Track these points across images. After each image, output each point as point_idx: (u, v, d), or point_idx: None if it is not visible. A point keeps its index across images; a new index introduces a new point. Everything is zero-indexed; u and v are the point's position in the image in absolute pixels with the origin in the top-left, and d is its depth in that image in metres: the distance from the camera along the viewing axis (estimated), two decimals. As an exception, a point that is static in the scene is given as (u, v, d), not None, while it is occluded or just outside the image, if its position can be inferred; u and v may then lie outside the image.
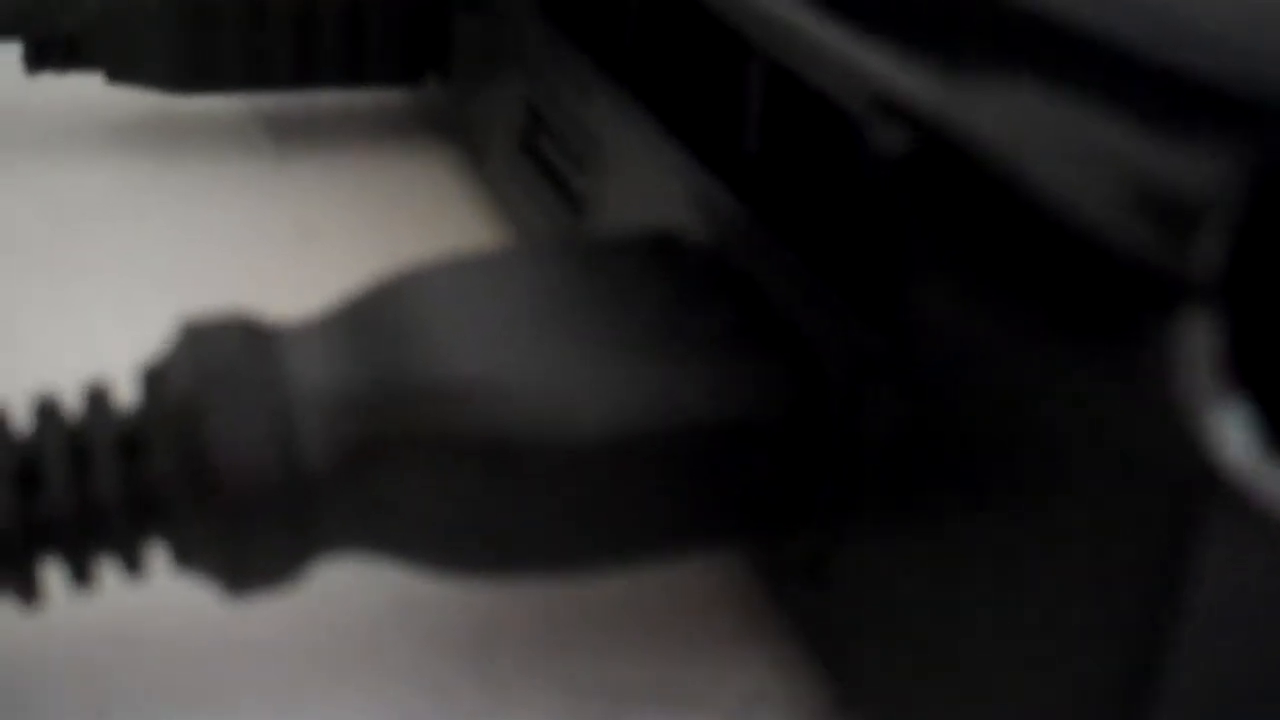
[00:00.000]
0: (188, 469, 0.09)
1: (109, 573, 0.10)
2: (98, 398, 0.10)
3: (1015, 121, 0.08)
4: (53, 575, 0.10)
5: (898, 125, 0.09)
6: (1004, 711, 0.09)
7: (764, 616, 0.12)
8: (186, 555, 0.10)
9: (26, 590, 0.10)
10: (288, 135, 0.20)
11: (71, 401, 0.10)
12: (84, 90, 0.19)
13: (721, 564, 0.12)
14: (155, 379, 0.10)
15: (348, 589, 0.12)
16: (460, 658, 0.11)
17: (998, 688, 0.09)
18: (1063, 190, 0.08)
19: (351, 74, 0.19)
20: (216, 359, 0.10)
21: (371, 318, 0.10)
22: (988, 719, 0.09)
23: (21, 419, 0.10)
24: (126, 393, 0.10)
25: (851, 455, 0.10)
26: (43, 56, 0.18)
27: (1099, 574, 0.08)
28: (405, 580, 0.12)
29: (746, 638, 0.12)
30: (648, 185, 0.13)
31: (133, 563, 0.10)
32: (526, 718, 0.11)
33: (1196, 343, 0.07)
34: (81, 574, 0.10)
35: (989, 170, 0.08)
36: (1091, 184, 0.08)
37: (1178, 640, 0.07)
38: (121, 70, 0.19)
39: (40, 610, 0.10)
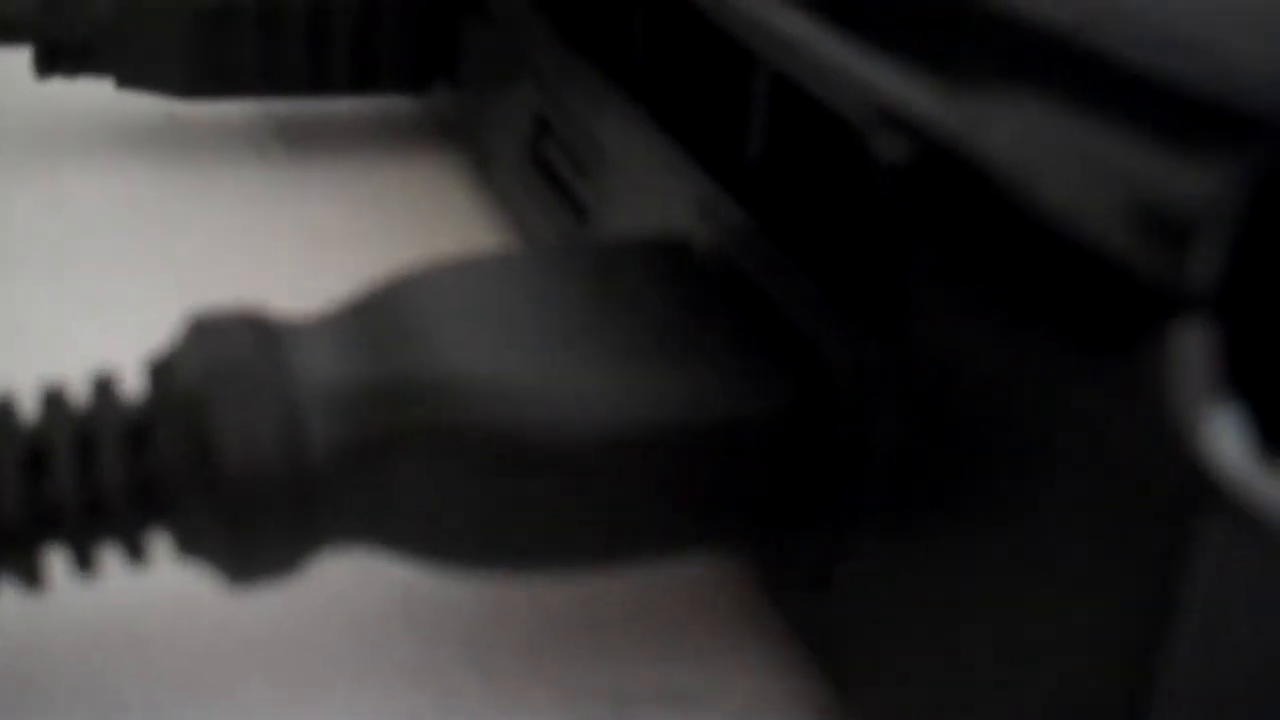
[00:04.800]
0: (192, 459, 0.10)
1: (112, 561, 0.10)
2: (104, 387, 0.10)
3: (1015, 134, 0.08)
4: (56, 562, 0.10)
5: (900, 137, 0.09)
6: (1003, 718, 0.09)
7: (768, 620, 0.12)
8: (189, 544, 0.10)
9: (30, 575, 0.10)
10: (298, 140, 0.20)
11: (78, 391, 0.10)
12: (94, 95, 0.19)
13: (725, 566, 0.12)
14: (162, 370, 0.10)
15: (350, 586, 0.12)
16: (463, 656, 0.11)
17: (997, 695, 0.09)
18: (1061, 202, 0.08)
19: (362, 81, 0.19)
20: (223, 352, 0.10)
21: (378, 315, 0.10)
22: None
23: (29, 407, 0.10)
24: (133, 384, 0.10)
25: (855, 463, 0.10)
26: (53, 61, 0.18)
27: (1098, 582, 0.08)
28: (408, 578, 0.12)
29: (749, 641, 0.12)
30: (652, 193, 0.13)
31: (136, 551, 0.10)
32: (528, 718, 0.11)
33: (1192, 353, 0.07)
34: (85, 561, 0.10)
35: (989, 182, 0.08)
36: (1089, 196, 0.08)
37: (1174, 647, 0.07)
38: (132, 75, 0.19)
39: (43, 595, 0.10)
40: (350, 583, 0.12)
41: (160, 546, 0.10)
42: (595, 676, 0.11)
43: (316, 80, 0.19)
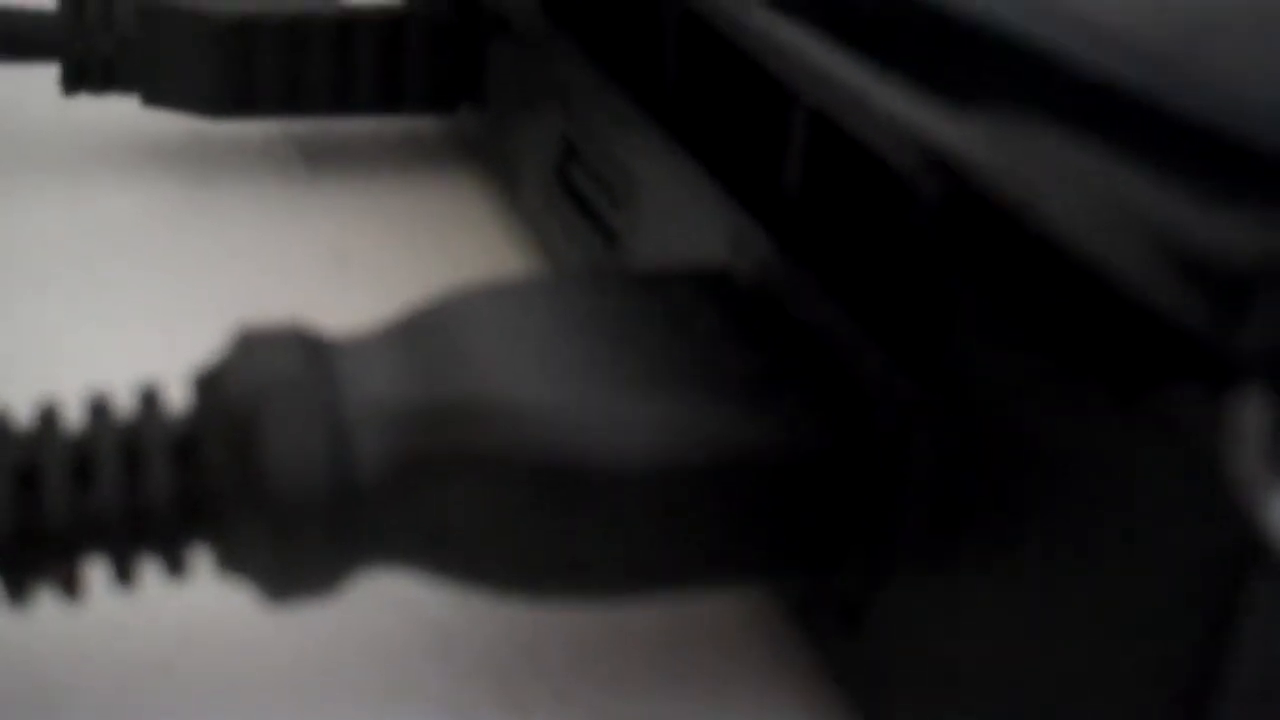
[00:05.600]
0: (237, 474, 0.10)
1: (151, 573, 0.10)
2: (150, 399, 0.10)
3: (1061, 180, 0.08)
4: (96, 573, 0.10)
5: (941, 178, 0.09)
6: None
7: (800, 657, 0.12)
8: (231, 560, 0.10)
9: (70, 584, 0.10)
10: (322, 159, 0.20)
11: (124, 401, 0.10)
12: (120, 112, 0.19)
13: (758, 601, 0.12)
14: (209, 384, 0.10)
15: (380, 613, 0.12)
16: (490, 685, 0.11)
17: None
18: (1110, 254, 0.08)
19: (387, 101, 0.19)
20: (270, 367, 0.10)
21: (425, 335, 0.10)
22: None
23: (75, 415, 0.10)
24: (179, 396, 0.10)
25: (892, 501, 0.10)
26: (80, 78, 0.19)
27: (1139, 635, 0.08)
28: (438, 606, 0.12)
29: (782, 679, 0.12)
30: (685, 223, 0.13)
31: (176, 564, 0.10)
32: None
33: (1247, 419, 0.07)
34: (125, 573, 0.10)
35: (1033, 228, 0.08)
36: (1141, 250, 0.07)
37: (1219, 707, 0.07)
38: (157, 93, 0.19)
39: (81, 605, 0.10)
40: (379, 610, 0.12)
41: (200, 561, 0.10)
42: (622, 707, 0.11)
43: (342, 100, 0.19)
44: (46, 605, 0.10)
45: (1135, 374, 0.08)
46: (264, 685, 0.11)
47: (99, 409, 0.10)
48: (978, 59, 0.09)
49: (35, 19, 0.18)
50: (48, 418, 0.10)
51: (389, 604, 0.12)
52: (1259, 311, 0.07)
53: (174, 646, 0.11)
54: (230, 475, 0.10)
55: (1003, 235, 0.09)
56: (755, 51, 0.12)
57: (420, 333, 0.10)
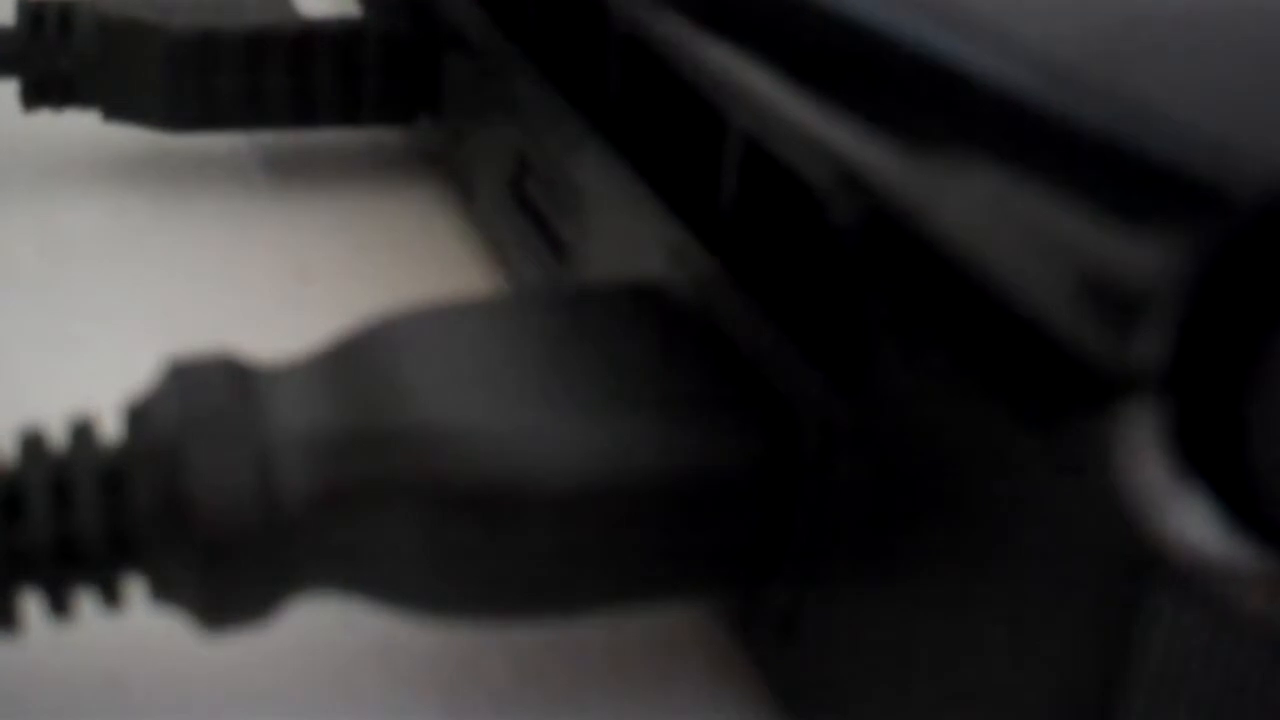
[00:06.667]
0: (166, 505, 0.10)
1: (87, 605, 0.10)
2: (82, 432, 0.10)
3: (969, 202, 0.08)
4: (31, 606, 0.10)
5: (858, 200, 0.09)
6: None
7: (740, 668, 0.12)
8: (163, 589, 0.10)
9: (4, 618, 0.10)
10: (284, 170, 0.20)
11: (56, 434, 0.10)
12: (80, 127, 0.19)
13: (698, 614, 0.12)
14: (139, 415, 0.10)
15: (324, 631, 0.12)
16: (436, 703, 0.11)
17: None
18: (1012, 273, 0.08)
19: (346, 113, 0.19)
20: (199, 398, 0.10)
21: (354, 362, 0.10)
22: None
23: (6, 449, 0.10)
24: (111, 427, 0.10)
25: (821, 514, 0.10)
26: (40, 94, 0.19)
27: (1051, 643, 0.08)
28: (382, 624, 0.12)
29: (722, 690, 0.12)
30: (627, 238, 0.13)
31: (111, 595, 0.10)
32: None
33: (1141, 431, 0.07)
34: (60, 605, 0.10)
35: (944, 249, 0.08)
36: (1038, 269, 0.08)
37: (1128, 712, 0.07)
38: (118, 108, 0.19)
39: (17, 638, 0.10)
40: (323, 628, 0.12)
41: (135, 590, 0.10)
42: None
43: (301, 112, 0.19)
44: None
45: (1037, 390, 0.08)
46: (205, 698, 0.11)
47: (30, 443, 0.10)
48: (891, 82, 0.09)
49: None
50: (-21, 453, 0.10)
51: (331, 615, 0.12)
52: (1152, 325, 0.07)
53: (117, 660, 0.11)
54: (158, 508, 0.10)
55: (917, 258, 0.09)
56: (683, 70, 0.12)
57: (349, 358, 0.10)
